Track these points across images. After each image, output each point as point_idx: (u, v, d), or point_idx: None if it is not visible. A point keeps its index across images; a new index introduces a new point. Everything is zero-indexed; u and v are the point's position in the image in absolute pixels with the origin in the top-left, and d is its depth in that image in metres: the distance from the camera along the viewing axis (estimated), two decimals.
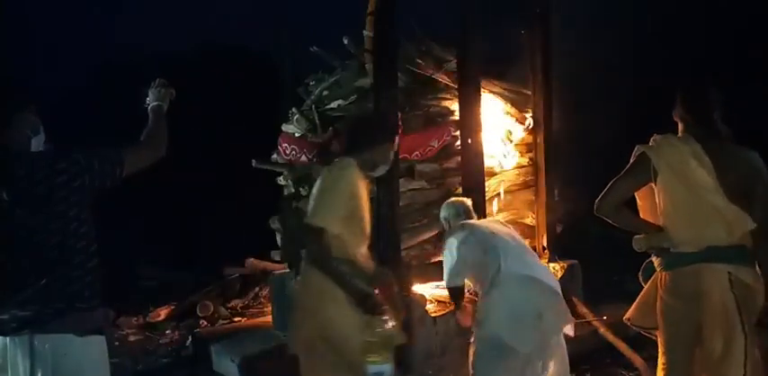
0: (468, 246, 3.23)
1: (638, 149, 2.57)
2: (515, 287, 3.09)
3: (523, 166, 5.42)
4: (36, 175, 2.00)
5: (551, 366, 3.12)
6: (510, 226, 3.59)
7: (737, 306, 2.36)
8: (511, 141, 5.29)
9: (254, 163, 5.27)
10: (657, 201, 2.54)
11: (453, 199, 3.85)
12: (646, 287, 2.73)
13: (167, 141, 2.32)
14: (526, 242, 3.58)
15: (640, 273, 2.83)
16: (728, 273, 2.38)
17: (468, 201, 3.71)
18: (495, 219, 3.61)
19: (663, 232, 2.52)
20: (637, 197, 2.71)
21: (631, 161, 2.58)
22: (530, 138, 5.37)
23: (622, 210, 2.57)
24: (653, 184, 2.53)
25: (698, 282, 2.42)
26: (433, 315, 4.36)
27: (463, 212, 3.56)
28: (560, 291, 3.21)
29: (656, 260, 2.65)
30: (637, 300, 2.76)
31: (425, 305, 4.39)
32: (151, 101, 2.43)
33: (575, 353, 4.13)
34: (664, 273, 2.55)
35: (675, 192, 2.46)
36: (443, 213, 3.67)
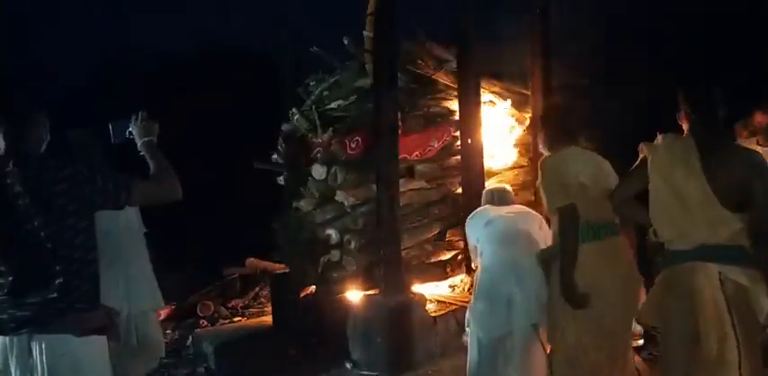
0: (468, 228, 3.50)
1: (641, 148, 2.61)
2: (489, 274, 3.29)
3: (523, 166, 5.42)
4: (42, 177, 2.00)
5: (518, 353, 3.22)
6: (534, 218, 3.56)
7: (727, 306, 2.35)
8: (514, 126, 5.30)
9: (254, 163, 5.27)
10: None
11: (494, 185, 3.99)
12: (654, 285, 2.72)
13: (178, 180, 2.23)
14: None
15: (653, 270, 2.86)
16: (719, 272, 2.39)
17: (506, 188, 3.74)
18: (521, 210, 3.62)
19: None
20: None
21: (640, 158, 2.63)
22: (529, 139, 5.36)
23: (630, 203, 2.65)
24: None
25: (691, 280, 2.42)
26: (432, 315, 4.36)
27: (497, 199, 3.63)
28: (542, 289, 3.26)
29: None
30: (646, 298, 2.77)
31: (425, 305, 4.39)
32: (139, 136, 2.35)
33: None
34: (664, 271, 2.56)
35: (659, 192, 2.50)
36: (482, 199, 3.76)
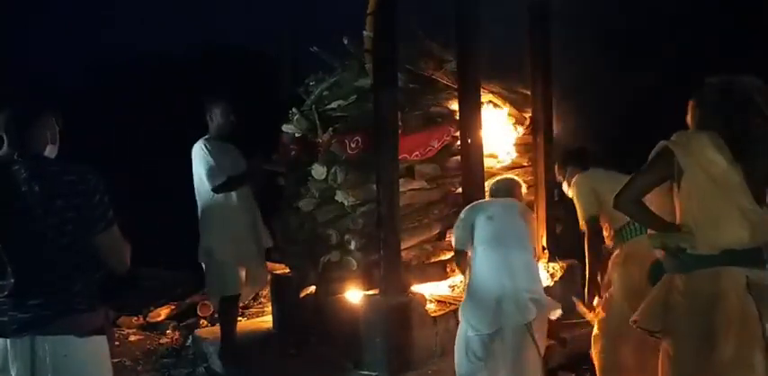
0: (466, 214, 3.56)
1: (660, 144, 2.47)
2: (480, 272, 3.33)
3: (523, 166, 5.42)
4: (43, 180, 1.99)
5: (509, 352, 3.25)
6: (524, 214, 3.61)
7: (758, 308, 2.30)
8: (516, 127, 5.32)
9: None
10: (678, 199, 2.47)
11: (502, 176, 4.06)
12: (655, 288, 2.62)
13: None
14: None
15: (648, 276, 2.78)
16: (746, 276, 2.33)
17: (513, 178, 3.78)
18: (518, 205, 3.65)
19: (681, 232, 2.45)
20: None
21: (652, 156, 2.50)
22: (530, 139, 5.37)
23: (640, 205, 2.54)
24: (672, 182, 2.46)
25: (715, 285, 2.36)
26: (432, 315, 4.36)
27: (501, 188, 3.66)
28: (535, 287, 3.35)
29: (668, 260, 2.56)
30: (645, 302, 2.65)
31: (425, 305, 4.40)
32: None
33: (574, 352, 4.15)
34: (679, 275, 2.47)
35: (702, 191, 2.39)
36: (489, 190, 3.86)
